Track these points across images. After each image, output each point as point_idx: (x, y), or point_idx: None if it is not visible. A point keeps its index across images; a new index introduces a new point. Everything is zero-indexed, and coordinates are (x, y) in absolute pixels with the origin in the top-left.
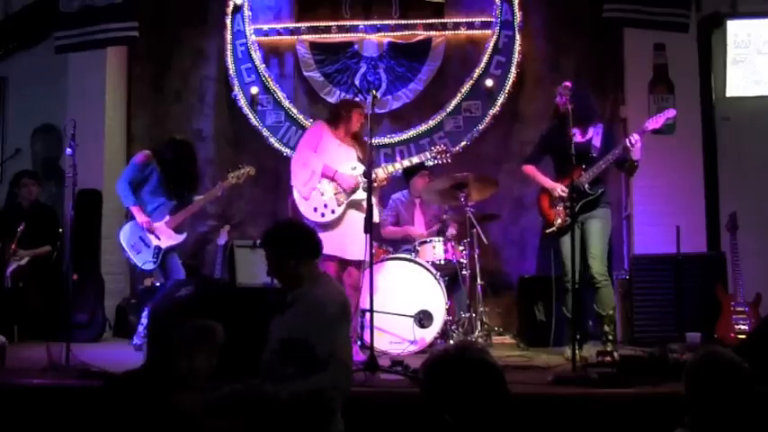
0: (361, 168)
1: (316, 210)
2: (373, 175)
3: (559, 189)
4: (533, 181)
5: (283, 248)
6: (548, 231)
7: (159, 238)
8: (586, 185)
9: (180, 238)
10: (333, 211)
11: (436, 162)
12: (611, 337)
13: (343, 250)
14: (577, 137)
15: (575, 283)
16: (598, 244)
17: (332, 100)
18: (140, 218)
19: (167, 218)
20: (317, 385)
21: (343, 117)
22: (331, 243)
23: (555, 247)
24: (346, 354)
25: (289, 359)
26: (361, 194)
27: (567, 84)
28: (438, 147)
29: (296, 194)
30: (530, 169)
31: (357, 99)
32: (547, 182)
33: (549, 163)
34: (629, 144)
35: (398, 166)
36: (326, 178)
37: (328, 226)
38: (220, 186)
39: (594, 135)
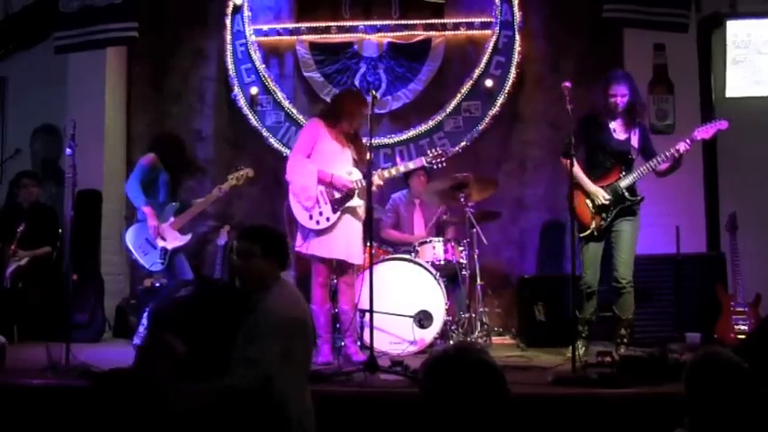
0: (357, 174)
1: (311, 217)
2: None
3: (601, 197)
4: (571, 175)
5: (268, 249)
6: (583, 235)
7: (165, 240)
8: (625, 191)
9: (185, 239)
10: (328, 219)
11: (433, 166)
12: (626, 340)
13: (339, 252)
14: (620, 134)
15: (587, 287)
16: (628, 249)
17: None
18: (151, 221)
19: (172, 219)
20: (224, 385)
21: (344, 118)
22: (324, 245)
23: (582, 249)
24: (268, 364)
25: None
26: (356, 201)
27: (568, 84)
28: (435, 150)
29: (292, 201)
30: (570, 165)
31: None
32: (589, 185)
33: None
34: (677, 154)
35: (394, 171)
36: (323, 184)
37: (323, 231)
38: (219, 189)
39: (633, 134)
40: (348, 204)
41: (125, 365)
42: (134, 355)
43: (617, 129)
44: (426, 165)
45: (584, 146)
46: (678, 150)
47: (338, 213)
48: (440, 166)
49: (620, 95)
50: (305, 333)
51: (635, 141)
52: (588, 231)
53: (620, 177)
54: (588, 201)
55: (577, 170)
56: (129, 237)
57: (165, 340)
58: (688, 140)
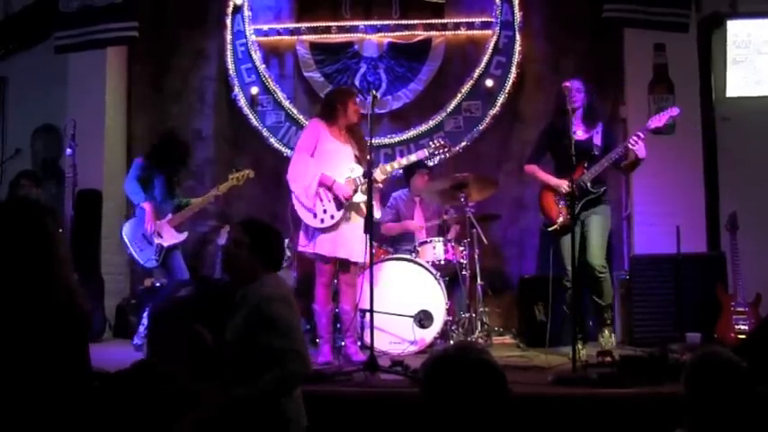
0: (358, 170)
1: (315, 216)
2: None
3: (565, 185)
4: (536, 180)
5: (255, 244)
6: (550, 229)
7: (162, 236)
8: (588, 184)
9: (181, 237)
10: (332, 217)
11: (435, 157)
12: (609, 322)
13: (343, 251)
14: (581, 134)
15: (574, 282)
16: (598, 236)
17: None
18: (149, 219)
19: (169, 216)
20: (277, 379)
21: (339, 109)
22: (329, 244)
23: (554, 247)
24: (300, 341)
25: (237, 363)
26: (359, 197)
27: (568, 84)
28: (436, 142)
29: (296, 201)
30: (531, 168)
31: (350, 86)
32: (551, 179)
33: (550, 160)
34: (630, 145)
35: (396, 165)
36: (324, 187)
37: (327, 229)
38: (217, 190)
39: (595, 134)
40: (352, 200)
41: (135, 363)
42: (149, 347)
43: (578, 131)
44: (428, 156)
45: (550, 153)
46: (634, 140)
47: (342, 210)
48: (443, 156)
49: (575, 89)
50: (294, 309)
51: (597, 140)
52: (556, 225)
53: (583, 173)
54: (555, 197)
55: (537, 171)
56: (126, 231)
57: (194, 330)
58: (642, 131)
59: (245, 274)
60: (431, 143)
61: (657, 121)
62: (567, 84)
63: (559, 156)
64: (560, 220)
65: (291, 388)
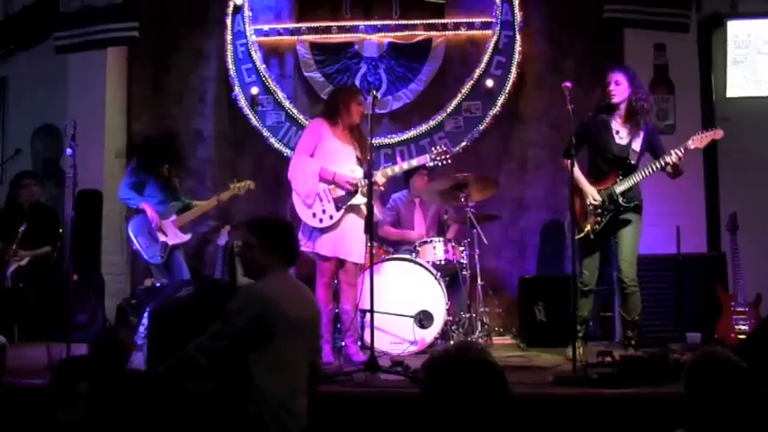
0: (359, 171)
1: (314, 215)
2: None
3: (591, 197)
4: (571, 177)
5: (267, 241)
6: (577, 237)
7: (167, 235)
8: (620, 197)
9: (185, 237)
10: (331, 217)
11: (436, 164)
12: (633, 342)
13: (343, 251)
14: (622, 136)
15: (584, 285)
16: (631, 249)
17: None
18: (151, 215)
19: (174, 217)
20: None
21: (341, 109)
22: (329, 244)
23: (579, 249)
24: (221, 335)
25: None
26: (359, 199)
27: (568, 84)
28: (438, 148)
29: (295, 199)
30: (567, 164)
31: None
32: (582, 182)
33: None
34: (674, 161)
35: (397, 169)
36: (325, 182)
37: (327, 228)
38: (218, 199)
39: (636, 137)
40: (351, 202)
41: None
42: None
43: (620, 131)
44: (430, 162)
45: (587, 148)
46: (668, 161)
47: (341, 211)
48: (444, 163)
49: (613, 82)
50: (288, 328)
51: (636, 145)
52: (583, 234)
53: (616, 182)
54: (585, 202)
55: (576, 171)
56: (133, 226)
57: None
58: (681, 149)
59: (259, 272)
60: (433, 149)
61: (699, 142)
62: (567, 83)
63: (593, 155)
64: (587, 228)
65: (181, 371)
